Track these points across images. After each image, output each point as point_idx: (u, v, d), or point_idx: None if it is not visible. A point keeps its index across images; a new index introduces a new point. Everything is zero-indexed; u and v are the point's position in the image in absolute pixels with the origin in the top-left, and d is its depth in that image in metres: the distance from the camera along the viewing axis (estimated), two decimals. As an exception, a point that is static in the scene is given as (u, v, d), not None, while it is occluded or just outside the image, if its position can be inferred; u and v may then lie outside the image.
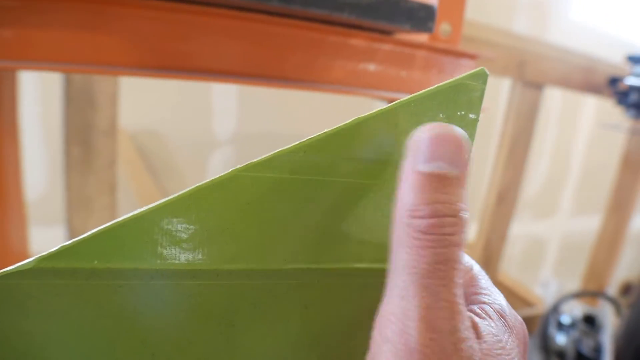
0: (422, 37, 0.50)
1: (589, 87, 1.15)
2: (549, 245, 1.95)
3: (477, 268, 0.25)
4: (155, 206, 0.19)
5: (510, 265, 1.81)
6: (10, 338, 0.20)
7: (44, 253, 0.19)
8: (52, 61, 0.38)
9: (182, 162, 1.23)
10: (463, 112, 0.23)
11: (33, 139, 1.00)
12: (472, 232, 1.23)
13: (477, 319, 0.21)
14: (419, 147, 0.20)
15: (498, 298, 0.23)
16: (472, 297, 0.23)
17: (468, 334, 0.19)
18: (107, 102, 0.72)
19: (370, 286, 0.24)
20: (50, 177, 1.04)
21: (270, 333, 0.23)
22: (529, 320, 1.21)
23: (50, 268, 0.19)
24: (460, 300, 0.19)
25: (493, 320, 0.21)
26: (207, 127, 1.22)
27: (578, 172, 1.88)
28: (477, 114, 0.23)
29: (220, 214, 0.20)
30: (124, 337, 0.21)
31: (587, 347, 1.01)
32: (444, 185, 0.19)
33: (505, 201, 1.07)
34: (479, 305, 0.22)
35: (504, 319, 0.22)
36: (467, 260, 0.25)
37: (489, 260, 1.14)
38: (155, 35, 0.39)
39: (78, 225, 0.74)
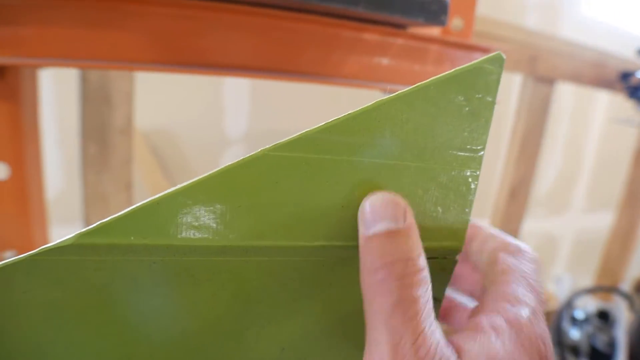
0: (433, 32, 0.51)
1: (601, 82, 1.15)
2: (562, 242, 1.94)
3: (513, 265, 0.25)
4: (188, 184, 0.20)
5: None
6: (47, 313, 0.20)
7: (83, 230, 0.19)
8: (71, 58, 0.39)
9: (194, 160, 1.24)
10: (481, 95, 0.23)
11: (48, 139, 1.01)
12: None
13: (464, 340, 0.22)
14: (364, 216, 0.22)
15: (520, 305, 0.23)
16: (490, 304, 0.23)
17: None
18: (123, 101, 0.73)
19: None
20: (66, 176, 1.05)
21: (296, 310, 0.24)
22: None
23: (89, 244, 0.20)
24: (428, 332, 0.20)
25: (499, 333, 0.21)
26: (219, 126, 1.22)
27: (590, 168, 1.88)
28: (494, 97, 0.24)
29: (250, 192, 0.21)
30: (156, 313, 0.22)
31: (601, 342, 1.01)
32: (392, 239, 0.22)
33: (517, 197, 1.07)
34: (489, 315, 0.23)
35: (518, 330, 0.22)
36: (505, 260, 0.26)
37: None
38: (172, 31, 0.40)
39: (95, 223, 0.75)
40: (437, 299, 0.27)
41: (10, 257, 0.19)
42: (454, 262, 0.27)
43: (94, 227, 0.19)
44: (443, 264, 0.26)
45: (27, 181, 0.48)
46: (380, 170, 0.23)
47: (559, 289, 1.27)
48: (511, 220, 1.09)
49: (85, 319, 0.21)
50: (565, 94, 1.66)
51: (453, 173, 0.25)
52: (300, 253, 0.23)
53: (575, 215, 1.93)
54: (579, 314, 1.07)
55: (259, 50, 0.42)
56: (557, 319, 1.02)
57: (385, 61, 0.47)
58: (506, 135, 1.08)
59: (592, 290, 1.17)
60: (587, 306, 1.13)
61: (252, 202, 0.21)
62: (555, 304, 1.22)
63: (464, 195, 0.26)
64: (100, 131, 0.72)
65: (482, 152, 0.25)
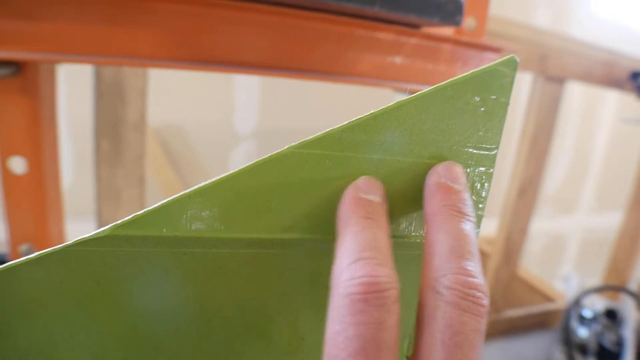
0: (446, 31, 0.51)
1: (611, 81, 1.14)
2: (570, 241, 1.94)
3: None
4: (218, 179, 0.21)
5: (531, 262, 1.81)
6: (81, 304, 0.21)
7: (118, 222, 0.20)
8: (88, 54, 0.40)
9: (204, 157, 1.25)
10: (495, 96, 0.24)
11: (62, 134, 1.02)
12: (493, 226, 1.23)
13: None
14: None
15: None
16: None
17: None
18: (136, 97, 0.73)
19: (416, 259, 0.25)
20: (78, 171, 1.06)
21: (317, 300, 0.25)
22: (549, 315, 1.21)
23: (124, 235, 0.20)
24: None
25: None
26: (229, 122, 1.23)
27: (599, 168, 1.87)
28: (508, 98, 0.25)
29: (277, 187, 0.22)
30: (184, 304, 0.23)
31: (609, 340, 1.01)
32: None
33: (526, 195, 1.07)
34: None
35: None
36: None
37: (510, 255, 1.14)
38: (187, 28, 0.40)
39: (108, 217, 0.76)
40: None
41: (26, 251, 0.20)
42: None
43: (128, 219, 0.20)
44: None
45: (44, 176, 0.48)
46: (399, 167, 0.24)
47: (567, 288, 1.27)
48: (520, 218, 1.10)
49: (116, 310, 0.22)
50: (574, 93, 1.66)
51: (468, 171, 0.25)
52: (323, 246, 0.23)
53: (584, 215, 1.93)
54: (587, 313, 1.07)
55: (273, 48, 0.43)
56: (565, 318, 1.02)
57: (398, 60, 0.48)
58: (516, 134, 1.08)
59: (600, 290, 1.17)
60: (595, 305, 1.13)
61: (278, 196, 0.22)
62: (563, 302, 1.22)
63: (478, 193, 0.26)
64: (114, 127, 0.73)
65: (496, 151, 0.26)
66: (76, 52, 0.39)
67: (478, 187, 0.26)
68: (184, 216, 0.21)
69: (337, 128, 0.22)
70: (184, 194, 0.21)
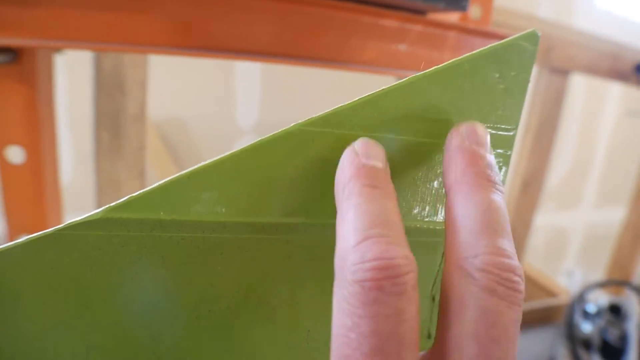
0: (451, 18, 0.50)
1: (616, 73, 1.13)
2: (573, 236, 1.93)
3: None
4: (219, 159, 0.20)
5: (534, 257, 1.80)
6: (74, 290, 0.20)
7: (112, 204, 0.19)
8: (87, 40, 0.39)
9: (205, 151, 1.24)
10: (515, 73, 0.23)
11: (61, 126, 1.01)
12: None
13: None
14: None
15: None
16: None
17: None
18: (136, 88, 0.72)
19: (430, 247, 0.24)
20: (78, 163, 1.06)
21: (322, 291, 0.24)
22: (552, 310, 1.21)
23: (118, 218, 0.19)
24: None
25: None
26: (231, 116, 1.22)
27: (602, 162, 1.86)
28: (529, 75, 0.23)
29: (282, 168, 0.21)
30: (183, 292, 0.22)
31: (612, 336, 1.01)
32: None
33: (530, 188, 1.06)
34: None
35: None
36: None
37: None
38: (188, 14, 0.39)
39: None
40: None
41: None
42: None
43: (122, 201, 0.19)
44: None
45: (42, 166, 0.47)
46: (411, 147, 0.23)
47: (570, 283, 1.27)
48: (523, 212, 1.09)
49: (111, 298, 0.21)
50: (578, 88, 1.64)
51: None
52: (331, 231, 0.22)
53: (587, 210, 1.92)
54: (591, 308, 1.07)
55: (276, 34, 0.42)
56: (568, 313, 1.02)
57: (403, 47, 0.47)
58: (520, 126, 1.07)
59: (603, 284, 1.16)
60: (598, 300, 1.12)
61: (283, 177, 0.21)
62: (566, 298, 1.21)
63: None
64: (114, 119, 0.72)
65: (515, 132, 0.24)
66: (74, 39, 0.38)
67: None
68: (183, 198, 0.20)
69: (347, 105, 0.21)
70: (182, 174, 0.20)
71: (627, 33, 1.51)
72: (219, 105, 1.21)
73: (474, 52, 0.22)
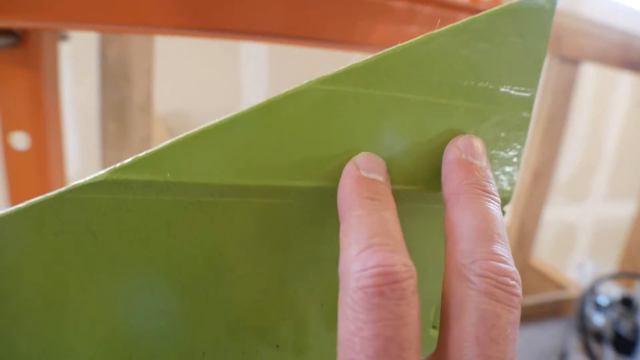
0: (462, 0, 0.49)
1: (626, 63, 1.12)
2: (583, 230, 1.91)
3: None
4: (229, 118, 0.19)
5: (543, 251, 1.78)
6: (78, 260, 0.19)
7: (117, 165, 0.18)
8: (89, 22, 0.38)
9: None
10: (534, 32, 0.23)
11: (67, 116, 1.01)
12: (506, 214, 1.21)
13: None
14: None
15: None
16: None
17: None
18: (142, 78, 0.72)
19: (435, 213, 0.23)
20: (84, 154, 1.05)
21: (336, 263, 0.23)
22: (563, 304, 1.19)
23: (123, 180, 0.18)
24: None
25: None
26: (237, 109, 1.21)
27: (613, 155, 1.84)
28: (548, 35, 0.23)
29: (294, 128, 0.20)
30: (189, 262, 0.21)
31: (625, 328, 0.99)
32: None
33: (540, 180, 1.05)
34: None
35: None
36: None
37: (523, 242, 1.12)
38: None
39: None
40: None
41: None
42: (503, 213, 0.25)
43: (128, 162, 0.18)
44: None
45: (47, 152, 0.47)
46: (429, 109, 0.22)
47: (581, 276, 1.25)
48: (534, 204, 1.08)
49: (116, 267, 0.20)
50: (588, 80, 1.63)
51: (502, 116, 0.23)
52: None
53: (596, 203, 1.90)
54: (603, 300, 1.05)
55: (284, 15, 0.41)
56: (580, 305, 1.01)
57: (413, 29, 0.46)
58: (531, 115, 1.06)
59: (615, 277, 1.15)
60: (610, 292, 1.11)
61: (295, 138, 0.20)
62: (577, 291, 1.20)
63: (512, 142, 0.24)
64: (120, 108, 0.72)
65: (533, 93, 0.24)
66: (77, 20, 0.38)
67: (512, 136, 0.24)
68: (191, 159, 0.19)
69: (362, 62, 0.20)
70: (190, 134, 0.19)
71: (637, 23, 1.49)
72: (225, 97, 1.20)
73: (492, 9, 0.21)
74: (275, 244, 0.22)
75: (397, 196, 0.22)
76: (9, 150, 0.44)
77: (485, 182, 0.22)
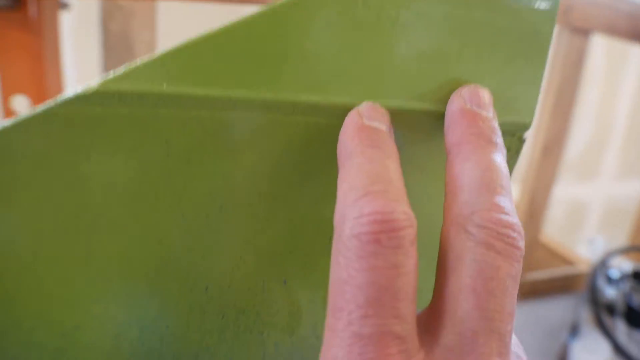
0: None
1: (636, 35, 1.10)
2: (592, 209, 1.89)
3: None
4: (230, 25, 0.18)
5: (552, 229, 1.77)
6: (70, 185, 0.18)
7: (109, 75, 0.17)
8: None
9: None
10: None
11: (67, 87, 1.00)
12: (515, 189, 1.20)
13: None
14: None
15: None
16: None
17: None
18: (145, 50, 0.71)
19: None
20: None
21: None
22: (572, 279, 1.19)
23: (116, 91, 0.17)
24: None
25: None
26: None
27: (623, 132, 1.82)
28: None
29: (301, 34, 0.19)
30: (189, 187, 0.19)
31: (636, 301, 0.98)
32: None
33: (551, 154, 1.03)
34: None
35: None
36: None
37: (533, 216, 1.11)
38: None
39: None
40: None
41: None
42: (522, 141, 0.24)
43: (121, 71, 0.17)
44: (509, 142, 0.24)
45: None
46: (446, 20, 0.21)
47: (592, 251, 1.24)
48: (544, 178, 1.06)
49: (112, 194, 0.19)
50: (597, 56, 1.60)
51: (521, 28, 0.22)
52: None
53: (607, 181, 1.88)
54: (614, 274, 1.04)
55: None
56: (592, 278, 1.00)
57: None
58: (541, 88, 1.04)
59: (626, 251, 1.14)
60: (621, 266, 1.10)
61: (302, 45, 0.19)
62: (587, 267, 1.19)
63: (533, 57, 0.23)
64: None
65: (554, 6, 0.22)
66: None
67: (532, 51, 0.22)
68: (189, 67, 0.18)
69: None
70: (189, 40, 0.18)
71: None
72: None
73: None
74: (281, 166, 0.21)
75: (400, 140, 0.21)
76: (10, 114, 0.44)
77: (490, 133, 0.21)
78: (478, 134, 0.20)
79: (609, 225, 1.91)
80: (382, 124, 0.20)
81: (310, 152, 0.21)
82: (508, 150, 0.24)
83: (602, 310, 0.95)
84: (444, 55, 0.21)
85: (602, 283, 1.01)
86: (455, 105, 0.21)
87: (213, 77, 0.18)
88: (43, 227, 0.18)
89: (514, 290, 0.18)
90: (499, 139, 0.21)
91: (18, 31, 0.43)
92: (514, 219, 0.19)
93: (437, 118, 0.22)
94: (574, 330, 1.07)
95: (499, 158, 0.20)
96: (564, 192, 1.75)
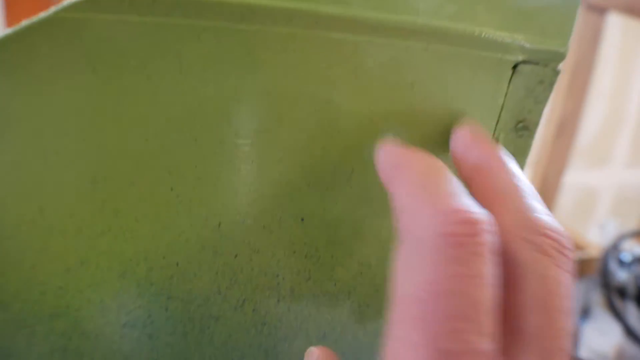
0: None
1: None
2: (604, 196, 1.87)
3: None
4: None
5: (562, 216, 1.75)
6: (76, 102, 0.17)
7: None
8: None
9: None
10: None
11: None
12: (527, 172, 1.18)
13: None
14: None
15: None
16: None
17: None
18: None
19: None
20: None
21: (370, 104, 0.20)
22: (582, 264, 1.17)
23: None
24: None
25: None
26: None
27: (636, 118, 1.79)
28: None
29: None
30: (202, 108, 0.18)
31: (648, 286, 0.97)
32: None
33: (564, 134, 1.02)
34: None
35: None
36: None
37: (545, 199, 1.10)
38: None
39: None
40: (527, 128, 0.23)
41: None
42: (556, 74, 0.23)
43: None
44: (543, 73, 0.22)
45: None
46: None
47: (603, 234, 1.23)
48: (557, 159, 1.05)
49: (120, 113, 0.17)
50: (611, 40, 1.57)
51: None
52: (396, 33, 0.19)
53: (618, 168, 1.86)
54: (626, 257, 1.03)
55: None
56: (603, 261, 0.99)
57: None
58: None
59: (638, 234, 1.12)
60: (633, 249, 1.08)
61: None
62: (598, 252, 1.18)
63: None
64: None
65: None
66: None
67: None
68: None
69: None
70: None
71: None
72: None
73: None
74: (304, 89, 0.19)
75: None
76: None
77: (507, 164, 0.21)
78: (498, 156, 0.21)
79: (620, 211, 1.89)
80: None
81: (332, 73, 0.19)
82: (541, 82, 0.22)
83: (613, 293, 0.94)
84: None
85: (613, 266, 0.99)
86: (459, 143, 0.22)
87: None
88: (46, 147, 0.17)
89: (570, 307, 0.17)
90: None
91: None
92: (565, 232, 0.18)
93: None
94: (585, 313, 1.06)
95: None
96: (576, 178, 1.73)
